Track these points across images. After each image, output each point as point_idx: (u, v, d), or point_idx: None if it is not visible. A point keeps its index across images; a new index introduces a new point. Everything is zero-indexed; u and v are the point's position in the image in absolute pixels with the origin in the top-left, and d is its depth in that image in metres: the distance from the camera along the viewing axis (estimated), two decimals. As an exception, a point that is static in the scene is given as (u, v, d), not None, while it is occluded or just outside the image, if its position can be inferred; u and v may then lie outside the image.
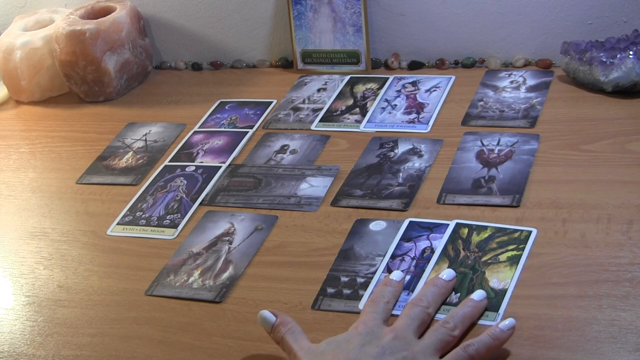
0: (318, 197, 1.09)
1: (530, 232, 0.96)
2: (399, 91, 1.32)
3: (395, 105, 1.28)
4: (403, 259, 0.96)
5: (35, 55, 1.44)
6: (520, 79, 1.30)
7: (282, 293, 0.94)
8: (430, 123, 1.22)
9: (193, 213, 1.10)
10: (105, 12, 1.47)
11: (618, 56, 1.20)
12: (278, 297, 0.94)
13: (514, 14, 1.34)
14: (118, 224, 1.11)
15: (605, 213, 0.98)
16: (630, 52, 1.20)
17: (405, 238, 0.99)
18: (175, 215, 1.10)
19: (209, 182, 1.16)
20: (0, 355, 0.91)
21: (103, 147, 1.30)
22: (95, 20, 1.42)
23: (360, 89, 1.35)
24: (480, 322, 0.85)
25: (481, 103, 1.25)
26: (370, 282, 0.93)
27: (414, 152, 1.15)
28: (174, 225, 1.09)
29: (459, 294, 0.89)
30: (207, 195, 1.13)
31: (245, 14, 1.47)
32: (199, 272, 0.99)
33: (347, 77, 1.38)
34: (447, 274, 0.90)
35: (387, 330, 0.83)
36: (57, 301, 0.99)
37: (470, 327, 0.85)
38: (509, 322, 0.81)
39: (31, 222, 1.14)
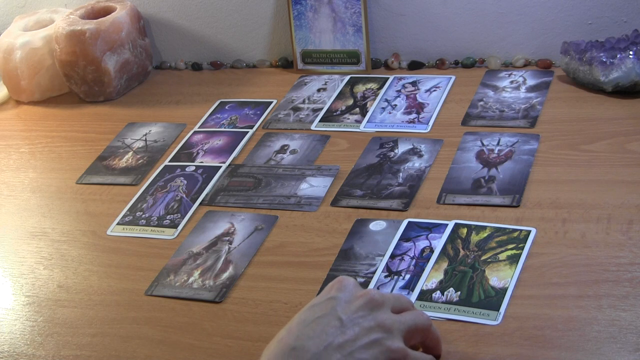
0: (318, 197, 1.09)
1: (529, 232, 0.96)
2: (399, 91, 1.32)
3: (395, 105, 1.28)
4: (402, 259, 0.96)
5: (35, 55, 1.44)
6: (520, 79, 1.30)
7: (282, 293, 0.94)
8: (430, 123, 1.22)
9: (193, 213, 1.10)
10: (105, 12, 1.47)
11: (618, 56, 1.20)
12: (278, 297, 0.94)
13: (514, 14, 1.34)
14: (118, 224, 1.11)
15: (605, 213, 0.98)
16: (630, 52, 1.20)
17: (404, 238, 0.99)
18: (175, 215, 1.10)
19: (209, 182, 1.16)
20: (0, 355, 0.91)
21: (103, 147, 1.30)
22: (95, 20, 1.42)
23: (360, 89, 1.35)
24: (480, 321, 0.85)
25: (481, 103, 1.25)
26: (370, 281, 0.93)
27: (414, 152, 1.15)
28: (174, 225, 1.09)
29: (459, 292, 0.89)
30: (207, 195, 1.13)
31: (245, 14, 1.47)
32: (199, 272, 0.99)
33: (347, 77, 1.38)
34: None
35: (363, 292, 0.77)
36: (57, 301, 0.99)
37: (467, 329, 0.85)
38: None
39: (31, 222, 1.14)
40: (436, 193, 1.06)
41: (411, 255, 0.96)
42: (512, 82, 1.29)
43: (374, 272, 0.94)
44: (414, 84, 1.33)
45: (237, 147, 1.23)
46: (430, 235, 0.99)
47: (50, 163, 1.29)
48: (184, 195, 1.14)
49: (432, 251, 0.96)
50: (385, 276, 0.94)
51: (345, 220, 1.04)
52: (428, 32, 1.39)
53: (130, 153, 1.27)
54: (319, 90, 1.36)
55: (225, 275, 0.98)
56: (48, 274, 1.04)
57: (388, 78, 1.36)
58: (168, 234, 1.08)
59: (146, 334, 0.91)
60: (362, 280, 0.94)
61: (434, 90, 1.31)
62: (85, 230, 1.11)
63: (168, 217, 1.10)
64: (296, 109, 1.32)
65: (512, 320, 0.85)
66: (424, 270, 0.93)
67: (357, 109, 1.29)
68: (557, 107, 1.21)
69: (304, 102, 1.34)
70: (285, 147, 1.22)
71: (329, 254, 0.99)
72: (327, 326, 0.74)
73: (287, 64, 1.46)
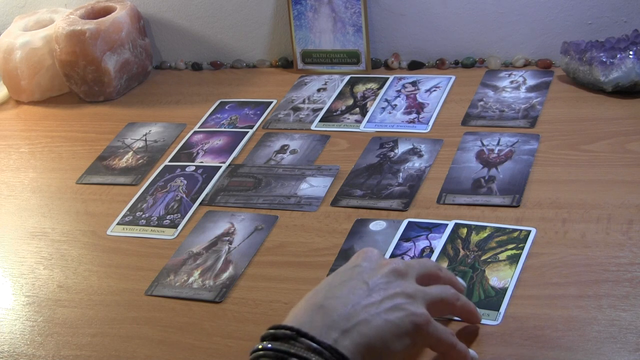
0: (318, 197, 1.09)
1: (529, 232, 0.96)
2: (399, 91, 1.32)
3: (395, 105, 1.28)
4: (402, 259, 0.95)
5: (35, 55, 1.44)
6: (520, 79, 1.30)
7: (282, 293, 0.94)
8: (430, 123, 1.22)
9: (193, 213, 1.10)
10: (105, 12, 1.47)
11: (618, 56, 1.20)
12: (278, 297, 0.94)
13: (514, 14, 1.34)
14: (118, 224, 1.11)
15: (605, 213, 0.98)
16: (630, 52, 1.20)
17: (404, 238, 0.99)
18: (175, 215, 1.10)
19: (209, 182, 1.16)
20: (0, 355, 0.91)
21: (103, 147, 1.30)
22: (95, 20, 1.42)
23: (360, 89, 1.35)
24: (481, 321, 0.85)
25: (481, 103, 1.25)
26: (370, 282, 0.93)
27: (414, 152, 1.15)
28: (174, 225, 1.09)
29: (459, 294, 0.89)
30: (207, 195, 1.13)
31: (245, 14, 1.47)
32: (199, 272, 0.99)
33: (347, 77, 1.38)
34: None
35: (387, 261, 0.79)
36: (57, 301, 0.99)
37: (467, 329, 0.85)
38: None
39: (31, 222, 1.14)
40: (436, 193, 1.06)
41: (411, 255, 0.96)
42: (512, 82, 1.29)
43: (374, 272, 0.94)
44: (414, 84, 1.33)
45: (237, 147, 1.23)
46: (430, 235, 0.99)
47: (50, 163, 1.29)
48: (184, 195, 1.14)
49: (432, 251, 0.96)
50: (385, 276, 0.93)
51: (345, 220, 1.04)
52: (428, 32, 1.39)
53: (130, 153, 1.27)
54: (319, 90, 1.36)
55: (225, 275, 0.98)
56: (48, 274, 1.04)
57: (388, 78, 1.36)
58: (168, 234, 1.08)
59: (146, 334, 0.91)
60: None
61: (434, 90, 1.31)
62: (85, 230, 1.11)
63: (168, 217, 1.10)
64: (296, 109, 1.32)
65: (512, 320, 0.85)
66: (424, 270, 0.93)
67: (357, 109, 1.29)
68: (557, 107, 1.21)
69: (304, 102, 1.34)
70: (285, 147, 1.22)
71: (329, 254, 0.99)
72: (355, 288, 0.75)
73: (287, 64, 1.46)
